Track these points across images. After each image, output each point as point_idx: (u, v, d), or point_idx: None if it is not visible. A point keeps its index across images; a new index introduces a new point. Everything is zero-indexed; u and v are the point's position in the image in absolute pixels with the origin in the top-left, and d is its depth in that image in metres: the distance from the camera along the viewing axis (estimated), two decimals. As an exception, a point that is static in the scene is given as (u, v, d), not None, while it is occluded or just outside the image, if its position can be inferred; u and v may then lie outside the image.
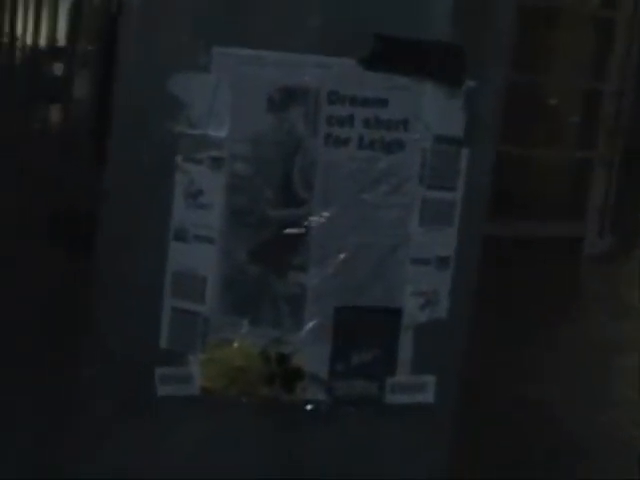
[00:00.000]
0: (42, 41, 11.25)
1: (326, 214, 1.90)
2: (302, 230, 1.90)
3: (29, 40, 11.43)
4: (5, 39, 11.20)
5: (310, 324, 1.93)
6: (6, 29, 11.11)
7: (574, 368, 5.03)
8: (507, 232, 5.94)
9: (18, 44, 11.50)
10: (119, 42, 1.91)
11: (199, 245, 1.90)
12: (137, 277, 1.93)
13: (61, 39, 10.74)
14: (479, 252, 2.00)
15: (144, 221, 1.92)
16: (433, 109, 1.92)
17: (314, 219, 1.90)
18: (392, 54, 1.89)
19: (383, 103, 1.89)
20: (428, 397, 1.99)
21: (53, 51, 10.86)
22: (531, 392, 4.74)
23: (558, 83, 7.05)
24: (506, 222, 6.05)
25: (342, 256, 1.92)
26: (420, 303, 1.97)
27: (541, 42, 6.80)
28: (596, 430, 4.30)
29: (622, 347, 5.49)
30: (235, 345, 1.92)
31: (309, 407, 1.95)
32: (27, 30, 11.38)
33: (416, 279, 1.96)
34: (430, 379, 1.99)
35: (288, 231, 1.90)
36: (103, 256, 1.96)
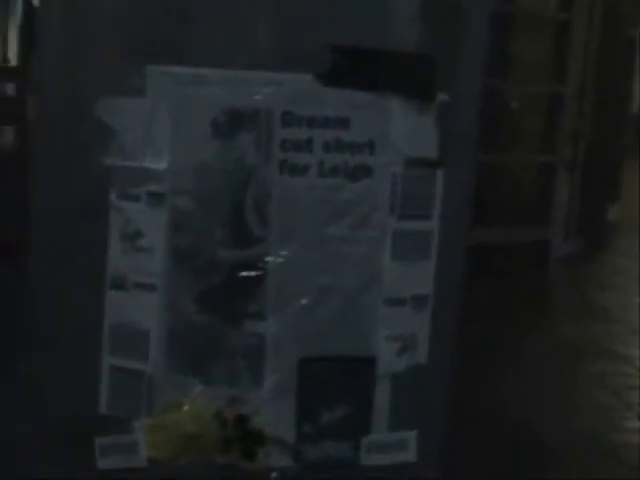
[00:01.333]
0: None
1: (285, 253, 1.66)
2: (258, 273, 1.66)
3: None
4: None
5: (271, 380, 1.68)
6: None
7: (544, 373, 4.94)
8: (471, 239, 5.76)
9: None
10: (38, 62, 1.66)
11: (139, 294, 1.66)
12: (70, 332, 1.68)
13: (12, 58, 10.47)
14: (461, 288, 1.76)
15: (75, 268, 1.68)
16: (402, 128, 1.68)
17: (271, 259, 1.66)
18: (353, 67, 1.66)
19: (345, 123, 1.66)
20: (409, 456, 1.75)
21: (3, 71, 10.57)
22: (503, 398, 4.62)
23: (518, 87, 6.90)
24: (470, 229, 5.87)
25: (304, 300, 1.68)
26: (396, 349, 1.73)
27: (499, 46, 6.64)
28: (573, 437, 4.20)
29: (594, 351, 5.41)
30: (185, 408, 1.67)
31: (274, 475, 1.70)
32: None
33: (390, 322, 1.72)
34: (411, 435, 1.75)
35: (242, 274, 1.66)
36: (32, 307, 1.70)
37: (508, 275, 6.35)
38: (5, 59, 10.73)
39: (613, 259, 7.39)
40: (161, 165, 1.63)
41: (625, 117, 8.33)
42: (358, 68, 1.66)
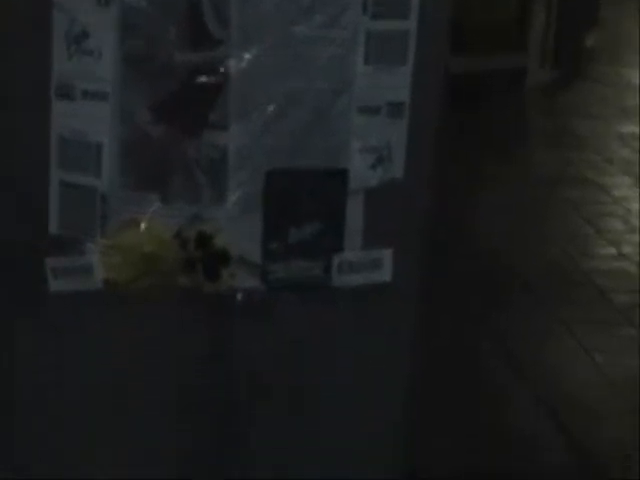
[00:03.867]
0: None
1: (248, 56, 1.50)
2: (218, 78, 1.50)
3: None
4: None
5: (235, 195, 1.55)
6: None
7: (518, 202, 4.93)
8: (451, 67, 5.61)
9: None
10: None
11: (88, 103, 1.51)
12: (16, 147, 1.54)
13: None
14: (441, 95, 1.62)
15: (17, 76, 1.51)
16: None
17: (232, 63, 1.50)
18: None
19: None
20: (384, 276, 1.64)
21: None
22: (477, 227, 4.60)
23: None
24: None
25: (271, 108, 1.53)
26: (370, 161, 1.59)
27: None
28: (544, 263, 4.23)
29: (569, 179, 5.39)
30: (143, 227, 1.54)
31: (239, 297, 1.59)
32: None
33: (364, 132, 1.58)
34: (386, 253, 1.63)
35: (200, 80, 1.50)
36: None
37: (483, 103, 6.23)
38: None
39: (591, 87, 7.25)
40: (107, -44, 1.45)
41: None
42: None
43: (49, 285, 1.56)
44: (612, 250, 4.54)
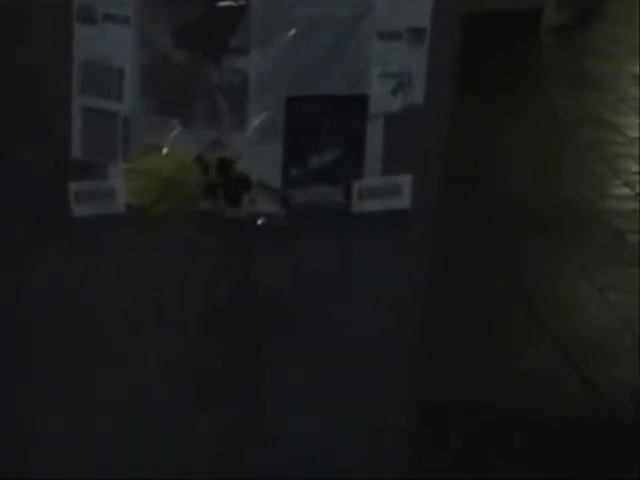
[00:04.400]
0: None
1: (269, -20, 1.50)
2: (239, 2, 1.50)
3: None
4: None
5: (256, 121, 1.56)
6: None
7: (534, 143, 4.93)
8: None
9: None
10: None
11: (111, 27, 1.51)
12: (37, 71, 1.54)
13: None
14: (461, 23, 1.61)
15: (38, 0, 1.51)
16: None
17: (254, -14, 1.50)
18: None
19: None
20: (404, 202, 1.65)
21: None
22: (492, 168, 4.60)
23: None
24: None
25: (291, 33, 1.53)
26: (390, 87, 1.59)
27: None
28: (559, 204, 4.23)
29: (585, 119, 5.37)
30: (164, 151, 1.55)
31: (260, 221, 1.60)
32: None
33: (384, 58, 1.58)
34: (405, 180, 1.64)
35: (222, 4, 1.50)
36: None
37: (500, 45, 6.19)
38: None
39: (606, 27, 7.19)
40: None
41: None
42: None
43: (72, 209, 1.57)
44: (627, 190, 4.54)
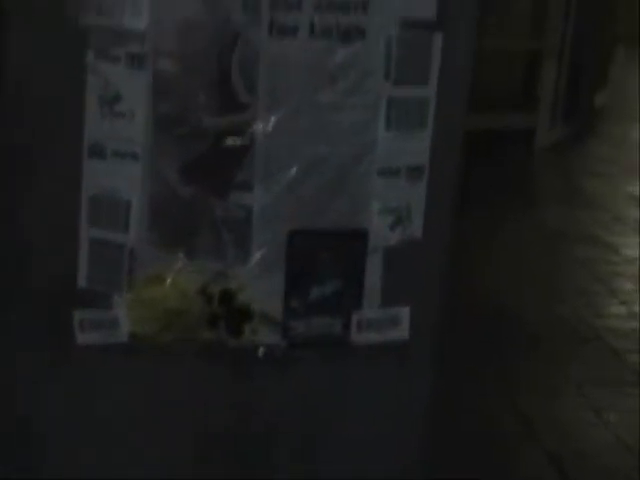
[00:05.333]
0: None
1: (273, 120, 1.56)
2: (245, 141, 1.56)
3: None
4: None
5: (258, 253, 1.60)
6: None
7: (528, 259, 4.96)
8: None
9: None
10: None
11: (120, 162, 1.56)
12: (48, 204, 1.59)
13: None
14: (459, 159, 1.67)
15: (51, 136, 1.57)
16: (398, -14, 1.57)
17: (259, 127, 1.56)
18: None
19: (338, -19, 1.54)
20: (402, 333, 1.68)
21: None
22: (487, 284, 4.62)
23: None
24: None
25: (294, 170, 1.59)
26: (389, 222, 1.64)
27: None
28: (555, 321, 4.23)
29: (579, 238, 5.42)
30: (168, 282, 1.59)
31: (261, 352, 1.63)
32: None
33: (384, 194, 1.63)
34: (404, 312, 1.68)
35: (228, 143, 1.56)
36: (6, 180, 1.61)
37: (494, 162, 6.29)
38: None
39: (600, 146, 7.32)
40: (141, 24, 1.51)
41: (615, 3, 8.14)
42: None
43: (76, 338, 1.60)
44: (623, 309, 4.56)
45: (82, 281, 1.61)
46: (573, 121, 7.28)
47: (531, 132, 6.93)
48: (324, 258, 1.63)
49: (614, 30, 8.00)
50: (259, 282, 1.60)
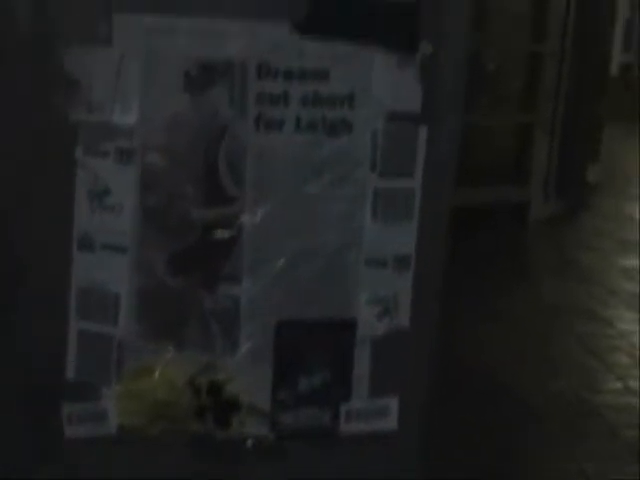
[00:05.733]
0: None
1: (261, 212, 1.58)
2: (232, 233, 1.58)
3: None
4: None
5: (246, 345, 1.61)
6: None
7: (523, 334, 4.94)
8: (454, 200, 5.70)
9: None
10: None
11: (108, 255, 1.58)
12: (36, 296, 1.60)
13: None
14: (444, 249, 1.69)
15: (40, 229, 1.58)
16: (383, 80, 1.60)
17: (246, 219, 1.58)
18: (331, 16, 1.56)
19: (323, 76, 1.57)
20: (390, 423, 1.68)
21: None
22: (483, 359, 4.60)
23: (498, 45, 6.80)
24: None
25: (282, 262, 1.60)
26: (377, 312, 1.65)
27: (479, 3, 6.53)
28: (555, 398, 4.19)
29: (574, 311, 5.41)
30: (157, 374, 1.59)
31: (249, 443, 1.63)
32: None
33: (371, 284, 1.64)
34: (392, 402, 1.68)
35: (215, 235, 1.58)
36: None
37: (486, 236, 6.31)
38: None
39: (593, 220, 7.35)
40: (130, 120, 1.54)
41: (605, 77, 8.25)
42: (336, 17, 1.57)
43: (64, 431, 1.60)
44: (619, 385, 4.54)
45: (70, 373, 1.61)
46: (566, 195, 7.31)
47: (524, 206, 6.97)
48: (312, 349, 1.64)
49: (604, 106, 8.08)
50: (247, 373, 1.61)
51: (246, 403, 1.61)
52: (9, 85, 1.56)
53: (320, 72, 1.57)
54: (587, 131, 7.69)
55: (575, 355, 4.89)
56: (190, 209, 1.57)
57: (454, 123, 1.66)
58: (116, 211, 1.56)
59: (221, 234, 1.58)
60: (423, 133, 1.63)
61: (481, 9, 6.49)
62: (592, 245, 6.76)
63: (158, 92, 1.54)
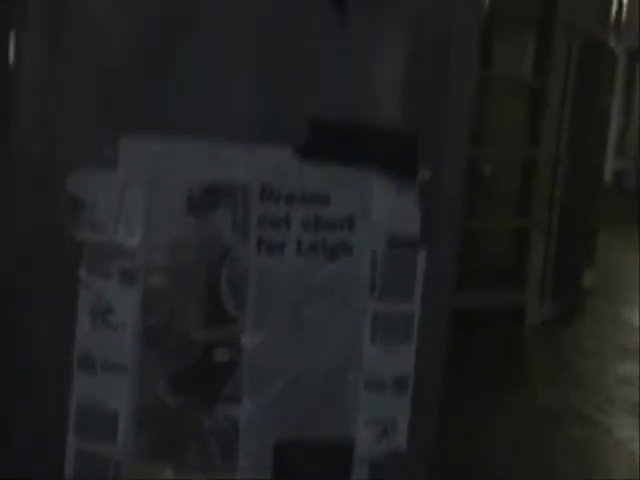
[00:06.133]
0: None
1: (260, 334, 1.60)
2: (232, 354, 1.59)
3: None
4: None
5: (245, 465, 1.61)
6: None
7: (523, 440, 4.93)
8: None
9: None
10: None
11: (109, 374, 1.59)
12: (34, 414, 1.60)
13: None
14: (442, 372, 1.70)
15: (40, 348, 1.60)
16: (383, 205, 1.63)
17: (246, 340, 1.59)
18: (333, 142, 1.60)
19: (324, 200, 1.60)
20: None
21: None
22: (477, 466, 4.58)
23: (491, 153, 6.91)
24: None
25: (281, 383, 1.61)
26: (376, 434, 1.66)
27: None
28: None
29: (571, 418, 5.40)
30: (154, 496, 1.59)
31: None
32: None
33: (370, 406, 1.65)
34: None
35: (215, 355, 1.59)
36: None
37: (483, 339, 6.32)
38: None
39: (590, 325, 7.37)
40: (133, 241, 1.56)
41: (598, 184, 8.35)
42: (337, 143, 1.61)
43: None
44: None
45: (68, 491, 1.61)
46: (562, 299, 7.35)
47: (520, 309, 6.99)
48: (311, 469, 1.64)
49: (597, 212, 8.17)
50: (245, 495, 1.60)
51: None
52: (13, 204, 1.59)
53: (321, 196, 1.60)
54: (582, 236, 7.76)
55: (572, 462, 4.85)
56: (191, 329, 1.58)
57: (452, 244, 1.69)
58: (117, 330, 1.58)
59: (222, 354, 1.59)
60: (422, 256, 1.66)
61: (478, 118, 6.61)
62: (588, 349, 6.76)
63: (162, 214, 1.57)
